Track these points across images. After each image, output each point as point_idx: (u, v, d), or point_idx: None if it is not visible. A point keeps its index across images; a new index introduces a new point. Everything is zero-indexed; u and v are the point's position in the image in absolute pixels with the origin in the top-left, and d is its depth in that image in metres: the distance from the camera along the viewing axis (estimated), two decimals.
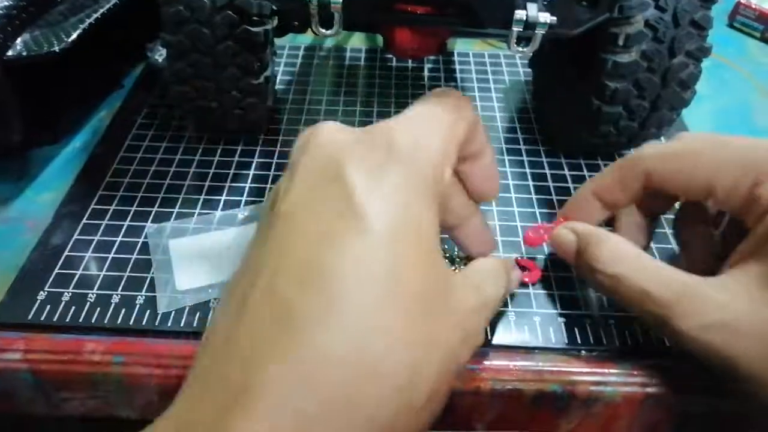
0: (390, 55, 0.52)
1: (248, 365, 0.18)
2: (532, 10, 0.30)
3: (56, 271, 0.33)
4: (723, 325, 0.24)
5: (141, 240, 0.35)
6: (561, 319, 0.32)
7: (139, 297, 0.32)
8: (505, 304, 0.32)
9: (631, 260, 0.27)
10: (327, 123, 0.23)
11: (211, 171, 0.40)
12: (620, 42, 0.34)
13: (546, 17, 0.30)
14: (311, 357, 0.18)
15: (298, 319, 0.18)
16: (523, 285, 0.33)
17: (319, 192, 0.20)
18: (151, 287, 0.32)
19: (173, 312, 0.31)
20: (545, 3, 0.30)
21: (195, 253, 0.34)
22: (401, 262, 0.19)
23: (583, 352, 0.31)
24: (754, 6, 0.57)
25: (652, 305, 0.26)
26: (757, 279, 0.24)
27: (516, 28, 0.30)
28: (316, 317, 0.18)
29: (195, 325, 0.31)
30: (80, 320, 0.31)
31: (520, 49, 0.31)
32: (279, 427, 0.17)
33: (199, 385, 0.19)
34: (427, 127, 0.22)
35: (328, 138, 0.22)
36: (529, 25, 0.30)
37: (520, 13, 0.30)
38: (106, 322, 0.31)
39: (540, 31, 0.30)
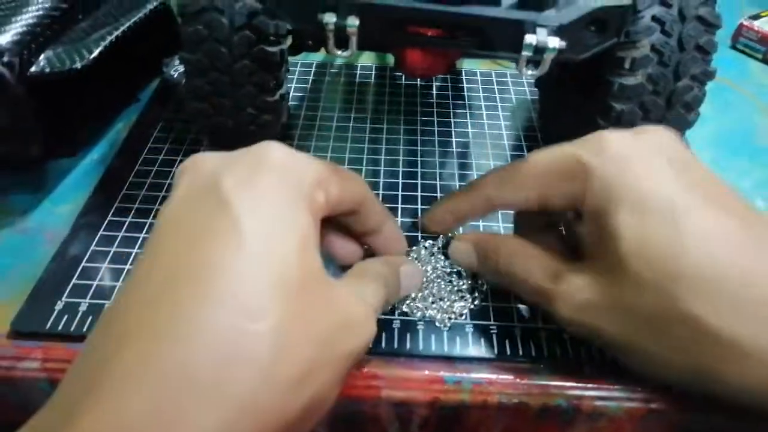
0: (400, 73, 0.53)
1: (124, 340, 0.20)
2: (542, 35, 0.30)
3: (74, 281, 0.34)
4: (584, 306, 0.27)
5: None
6: (566, 336, 0.32)
7: None
8: (512, 320, 0.33)
9: (516, 255, 0.31)
10: (206, 153, 0.25)
11: None
12: (626, 65, 0.35)
13: (555, 42, 0.30)
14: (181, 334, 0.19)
15: (168, 306, 0.20)
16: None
17: (195, 201, 0.23)
18: None
19: None
20: (554, 28, 0.31)
21: None
22: (273, 251, 0.21)
23: (588, 367, 0.31)
24: (756, 28, 0.58)
25: (535, 295, 0.30)
26: (599, 268, 0.28)
27: (525, 53, 0.31)
28: (186, 305, 0.19)
29: None
30: None
31: (529, 72, 0.32)
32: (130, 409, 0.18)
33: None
34: (303, 156, 0.25)
35: (207, 158, 0.25)
36: (539, 49, 0.31)
37: (530, 38, 0.30)
38: None
39: (549, 56, 0.31)
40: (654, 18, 0.34)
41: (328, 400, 0.23)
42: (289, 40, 0.39)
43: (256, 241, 0.21)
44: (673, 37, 0.34)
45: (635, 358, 0.28)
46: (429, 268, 0.35)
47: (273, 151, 0.24)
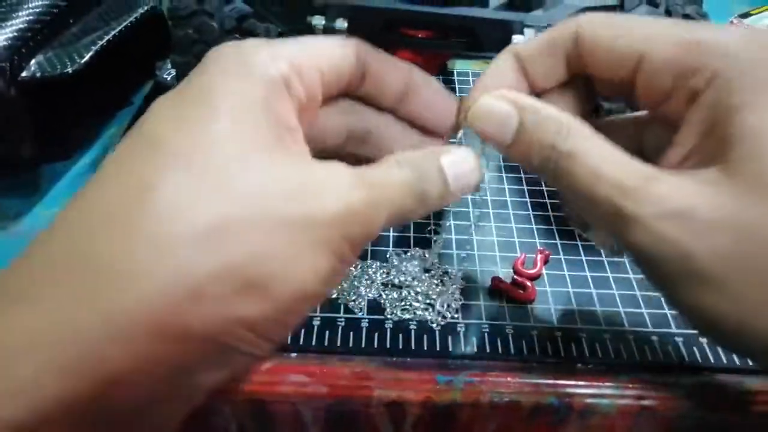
0: None
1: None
2: (530, 35, 0.31)
3: None
4: (684, 215, 0.21)
5: None
6: (558, 333, 0.33)
7: None
8: (504, 318, 0.33)
9: (584, 136, 0.23)
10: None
11: None
12: None
13: None
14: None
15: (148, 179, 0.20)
16: (521, 301, 0.34)
17: (181, 94, 0.23)
18: None
19: None
20: (542, 28, 0.31)
21: None
22: (247, 139, 0.21)
23: (580, 365, 0.32)
24: (746, 26, 0.59)
25: (606, 188, 0.22)
26: (709, 176, 0.21)
27: None
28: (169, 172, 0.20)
29: None
30: None
31: None
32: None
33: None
34: (297, 43, 0.24)
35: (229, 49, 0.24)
36: None
37: (517, 38, 0.31)
38: None
39: None
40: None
41: (278, 276, 0.20)
42: None
43: (231, 132, 0.21)
44: None
45: (725, 295, 0.21)
46: (412, 268, 0.35)
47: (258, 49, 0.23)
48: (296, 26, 0.32)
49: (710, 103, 0.22)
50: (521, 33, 0.31)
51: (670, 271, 0.22)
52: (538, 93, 0.27)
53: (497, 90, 0.25)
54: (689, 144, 0.23)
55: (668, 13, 0.35)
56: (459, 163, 0.24)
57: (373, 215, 0.22)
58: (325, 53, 0.24)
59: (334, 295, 0.34)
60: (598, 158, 0.22)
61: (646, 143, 0.27)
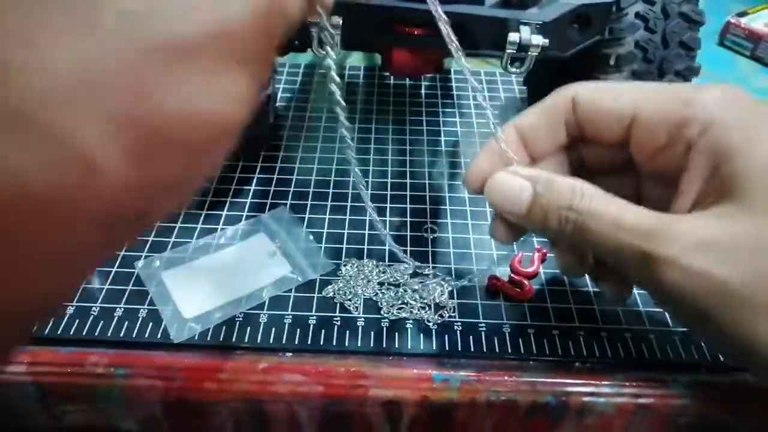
0: (388, 74, 0.53)
1: None
2: (525, 32, 0.31)
3: None
4: (710, 247, 0.22)
5: (144, 254, 0.36)
6: (555, 332, 0.33)
7: (142, 310, 0.33)
8: (501, 318, 0.33)
9: (599, 194, 0.25)
10: None
11: (213, 187, 0.41)
12: (611, 62, 0.35)
13: (538, 40, 0.31)
14: None
15: None
16: (518, 300, 0.34)
17: None
18: (154, 301, 0.33)
19: (173, 327, 0.32)
20: (538, 26, 0.31)
21: (192, 280, 0.35)
22: None
23: (577, 363, 0.31)
24: (743, 25, 0.59)
25: (630, 236, 0.23)
26: (722, 209, 0.23)
27: (509, 50, 0.31)
28: None
29: (197, 338, 0.31)
30: (84, 333, 0.31)
31: (514, 69, 0.32)
32: None
33: None
34: None
35: None
36: (522, 47, 0.31)
37: (513, 36, 0.31)
38: (109, 334, 0.31)
39: (533, 53, 0.31)
40: (638, 15, 0.34)
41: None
42: None
43: None
44: (656, 33, 0.34)
45: (763, 316, 0.22)
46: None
47: None
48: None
49: (708, 149, 0.24)
50: (517, 30, 0.31)
51: (706, 303, 0.22)
52: (534, 161, 0.29)
53: (489, 160, 0.28)
54: (695, 188, 0.24)
55: (664, 12, 0.34)
56: None
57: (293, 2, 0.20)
58: None
59: (330, 294, 0.34)
60: (616, 210, 0.24)
61: (644, 199, 0.29)
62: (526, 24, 0.31)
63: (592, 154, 0.29)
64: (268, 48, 0.19)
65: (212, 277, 0.35)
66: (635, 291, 0.35)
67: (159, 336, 0.31)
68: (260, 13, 0.17)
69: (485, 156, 0.28)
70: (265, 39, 0.18)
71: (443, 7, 0.31)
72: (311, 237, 0.37)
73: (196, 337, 0.31)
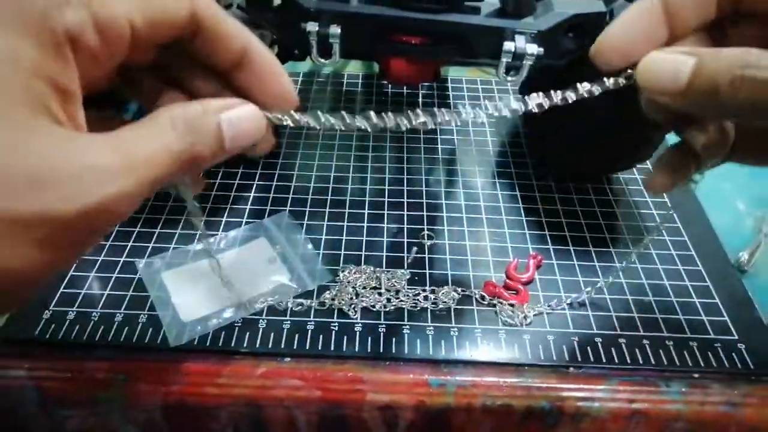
0: (386, 82, 0.54)
1: None
2: (521, 41, 0.31)
3: (61, 290, 0.34)
4: None
5: (144, 260, 0.36)
6: (550, 337, 0.33)
7: (142, 315, 0.33)
8: (496, 323, 0.34)
9: None
10: None
11: (212, 194, 0.41)
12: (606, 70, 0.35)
13: (533, 48, 0.31)
14: None
15: None
16: (514, 306, 0.34)
17: None
18: (154, 306, 0.33)
19: (172, 331, 0.32)
20: (533, 35, 0.31)
21: (191, 283, 0.35)
22: None
23: (572, 369, 0.32)
24: None
25: None
26: None
27: (505, 59, 0.32)
28: None
29: (196, 343, 0.32)
30: (84, 338, 0.32)
31: (509, 78, 0.33)
32: None
33: None
34: None
35: None
36: (518, 56, 0.31)
37: (508, 45, 0.31)
38: (109, 340, 0.32)
39: (528, 62, 0.31)
40: None
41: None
42: (274, 50, 0.39)
43: None
44: None
45: None
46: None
47: None
48: (290, 32, 0.32)
49: None
50: (512, 40, 0.31)
51: None
52: (672, 40, 0.25)
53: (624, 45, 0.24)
54: None
55: None
56: (239, 121, 0.22)
57: (130, 203, 0.19)
58: None
59: (329, 300, 0.34)
60: None
61: None
62: (521, 33, 0.31)
63: (742, 36, 0.25)
64: (80, 239, 0.19)
65: (212, 282, 0.35)
66: (629, 297, 0.35)
67: (159, 341, 0.32)
68: (104, 204, 0.18)
69: (628, 24, 0.24)
70: (107, 217, 0.19)
71: (440, 17, 0.31)
72: (310, 244, 0.38)
73: (196, 342, 0.32)
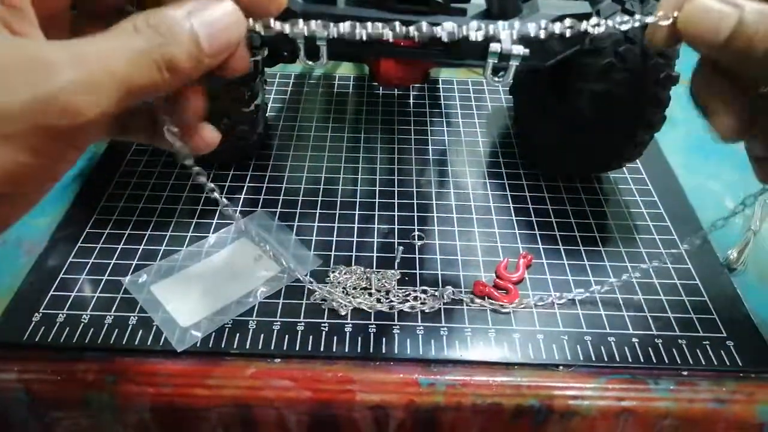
0: (376, 83, 0.54)
1: None
2: (506, 43, 0.31)
3: (51, 292, 0.34)
4: None
5: (134, 262, 0.36)
6: (540, 336, 0.33)
7: (132, 317, 0.33)
8: (486, 322, 0.34)
9: None
10: None
11: (203, 195, 0.42)
12: (593, 71, 0.36)
13: (519, 50, 0.31)
14: None
15: None
16: (504, 305, 0.35)
17: None
18: (144, 309, 0.34)
19: (164, 333, 0.32)
20: (519, 36, 0.32)
21: (185, 288, 0.35)
22: None
23: (561, 367, 0.32)
24: None
25: None
26: None
27: (491, 60, 0.32)
28: None
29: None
30: (74, 340, 0.32)
31: (496, 79, 0.33)
32: None
33: None
34: None
35: None
36: (504, 57, 0.31)
37: (494, 46, 0.31)
38: (99, 342, 0.32)
39: (514, 63, 0.32)
40: None
41: None
42: (264, 52, 0.39)
43: None
44: (636, 44, 0.35)
45: None
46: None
47: None
48: (278, 34, 0.32)
49: None
50: (498, 41, 0.31)
51: None
52: None
53: None
54: None
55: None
56: (216, 19, 0.20)
57: (85, 100, 0.18)
58: None
59: (319, 301, 0.34)
60: None
61: None
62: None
63: None
64: (71, 124, 0.18)
65: (204, 285, 0.35)
66: (619, 296, 0.35)
67: (149, 343, 0.32)
68: (51, 97, 0.17)
69: None
70: (62, 116, 0.17)
71: (426, 19, 0.31)
72: (292, 234, 0.38)
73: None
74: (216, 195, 0.27)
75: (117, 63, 0.18)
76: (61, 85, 0.17)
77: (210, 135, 0.25)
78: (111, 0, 0.23)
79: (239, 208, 0.41)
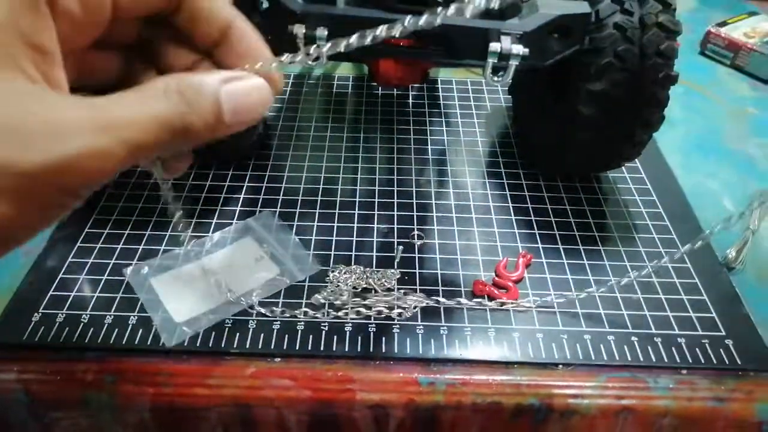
0: (376, 84, 0.54)
1: None
2: (506, 42, 0.31)
3: (51, 293, 0.34)
4: None
5: (134, 263, 0.36)
6: (539, 335, 0.33)
7: (132, 317, 0.33)
8: (486, 321, 0.34)
9: None
10: None
11: (203, 195, 0.42)
12: (592, 71, 0.36)
13: (519, 49, 0.31)
14: None
15: None
16: (503, 304, 0.35)
17: None
18: (144, 308, 0.33)
19: (165, 332, 0.32)
20: (518, 36, 0.32)
21: (182, 285, 0.35)
22: None
23: (560, 366, 0.32)
24: (723, 35, 0.60)
25: None
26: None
27: (491, 60, 0.32)
28: None
29: (186, 344, 0.32)
30: (74, 340, 0.32)
31: (496, 79, 0.33)
32: None
33: None
34: None
35: None
36: (503, 56, 0.32)
37: (494, 46, 0.31)
38: (99, 342, 0.32)
39: (513, 62, 0.32)
40: (616, 25, 0.35)
41: None
42: None
43: None
44: (635, 44, 0.35)
45: None
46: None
47: None
48: (277, 35, 0.32)
49: None
50: (497, 40, 0.31)
51: None
52: None
53: None
54: None
55: (642, 22, 0.35)
56: (243, 94, 0.21)
57: (99, 165, 0.18)
58: None
59: (319, 300, 0.34)
60: None
61: None
62: (506, 34, 0.32)
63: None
64: (84, 184, 0.18)
65: (201, 282, 0.35)
66: (618, 295, 0.35)
67: (149, 343, 0.32)
68: (73, 161, 0.17)
69: None
70: (78, 177, 0.18)
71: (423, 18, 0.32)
72: (296, 238, 0.38)
73: (186, 343, 0.32)
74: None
75: (139, 134, 0.19)
76: (77, 152, 0.17)
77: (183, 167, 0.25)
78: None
79: (238, 208, 0.41)
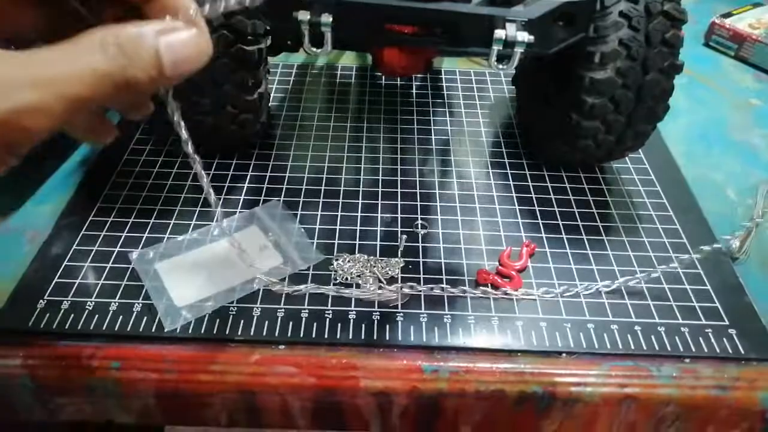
0: (380, 73, 0.54)
1: None
2: (511, 30, 0.31)
3: (56, 280, 0.34)
4: None
5: (139, 249, 0.36)
6: (543, 324, 0.33)
7: (137, 304, 0.33)
8: (489, 310, 0.34)
9: None
10: None
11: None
12: (596, 60, 0.36)
13: (524, 36, 0.31)
14: None
15: None
16: (507, 293, 0.35)
17: None
18: (148, 295, 0.34)
19: (168, 317, 0.32)
20: (523, 23, 0.32)
21: (185, 271, 0.35)
22: None
23: (564, 354, 0.32)
24: (728, 26, 0.60)
25: None
26: None
27: (496, 47, 0.32)
28: None
29: (191, 330, 0.32)
30: (79, 327, 0.32)
31: (501, 66, 0.33)
32: None
33: None
34: None
35: None
36: (508, 44, 0.31)
37: (499, 33, 0.31)
38: (104, 328, 0.32)
39: (518, 50, 0.32)
40: (621, 13, 0.35)
41: None
42: (267, 41, 0.39)
43: None
44: (640, 31, 0.35)
45: None
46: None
47: None
48: (282, 21, 0.32)
49: None
50: (503, 28, 0.31)
51: None
52: None
53: None
54: None
55: (647, 10, 0.35)
56: (181, 45, 0.20)
57: (38, 121, 0.18)
58: None
59: (323, 288, 0.34)
60: None
61: None
62: (512, 21, 0.31)
63: None
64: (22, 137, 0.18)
65: (205, 269, 0.35)
66: (622, 286, 0.35)
67: (153, 329, 0.32)
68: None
69: None
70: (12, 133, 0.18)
71: (431, 5, 0.32)
72: (302, 229, 0.38)
73: (190, 330, 0.32)
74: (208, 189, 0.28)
75: (77, 88, 0.18)
76: (16, 107, 0.17)
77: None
78: None
79: (242, 197, 0.41)
